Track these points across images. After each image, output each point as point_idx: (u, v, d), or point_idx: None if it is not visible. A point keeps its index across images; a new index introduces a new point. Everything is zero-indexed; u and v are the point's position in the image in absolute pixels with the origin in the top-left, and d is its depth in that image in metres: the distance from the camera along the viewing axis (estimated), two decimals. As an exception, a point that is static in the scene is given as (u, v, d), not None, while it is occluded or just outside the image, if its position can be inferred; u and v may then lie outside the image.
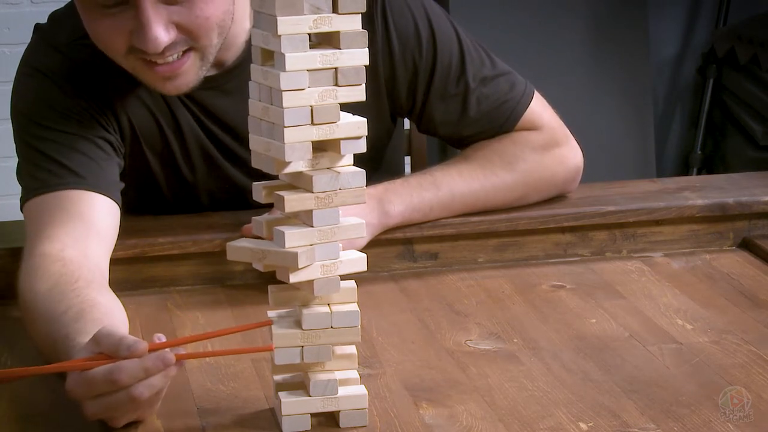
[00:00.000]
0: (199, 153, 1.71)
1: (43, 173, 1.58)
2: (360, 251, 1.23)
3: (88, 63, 1.63)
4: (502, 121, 1.73)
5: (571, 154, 1.77)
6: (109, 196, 1.58)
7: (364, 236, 1.43)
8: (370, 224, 1.60)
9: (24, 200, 1.60)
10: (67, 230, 1.51)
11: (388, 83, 1.71)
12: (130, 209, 1.69)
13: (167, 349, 1.19)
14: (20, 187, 1.62)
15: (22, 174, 1.63)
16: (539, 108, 1.76)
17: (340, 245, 1.22)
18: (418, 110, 1.74)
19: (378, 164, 1.81)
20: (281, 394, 1.25)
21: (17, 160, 1.65)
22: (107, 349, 1.19)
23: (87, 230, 1.52)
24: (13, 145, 1.66)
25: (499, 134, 1.74)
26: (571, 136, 1.78)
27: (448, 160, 1.73)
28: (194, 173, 1.73)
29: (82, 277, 1.42)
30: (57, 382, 1.36)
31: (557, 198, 1.76)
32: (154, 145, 1.70)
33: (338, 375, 1.24)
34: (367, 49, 1.17)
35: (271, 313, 1.25)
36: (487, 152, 1.72)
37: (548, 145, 1.75)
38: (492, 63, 1.75)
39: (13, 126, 1.67)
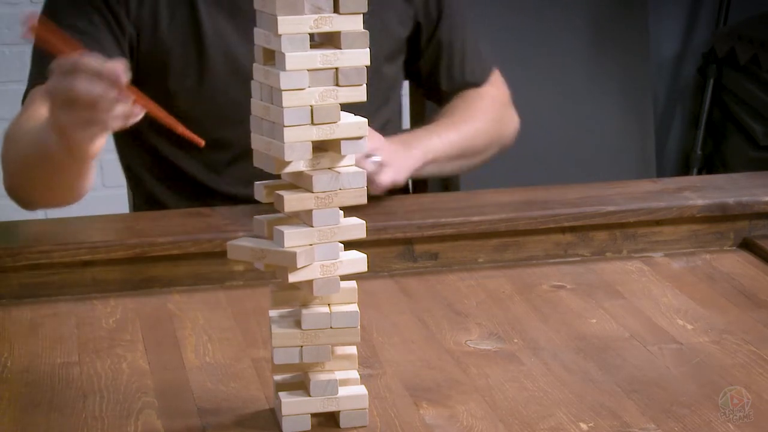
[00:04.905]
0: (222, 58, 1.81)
1: (42, 65, 1.67)
2: (360, 251, 1.23)
3: None
4: (478, 74, 2.01)
5: (515, 115, 2.06)
6: None
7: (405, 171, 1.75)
8: (413, 157, 1.79)
9: (27, 88, 1.75)
10: None
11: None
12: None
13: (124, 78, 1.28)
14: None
15: (31, 61, 1.78)
16: (497, 72, 2.07)
17: (341, 245, 1.22)
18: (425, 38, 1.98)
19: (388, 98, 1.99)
20: (281, 394, 1.25)
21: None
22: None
23: None
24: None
25: (469, 85, 2.01)
26: None
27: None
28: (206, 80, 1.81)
29: None
30: (56, 379, 1.37)
31: (557, 198, 1.76)
32: (167, 36, 1.79)
33: (338, 375, 1.24)
34: (368, 50, 1.17)
35: (272, 313, 1.25)
36: (463, 105, 1.96)
37: (505, 103, 2.04)
38: (473, 27, 2.04)
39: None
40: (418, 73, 2.02)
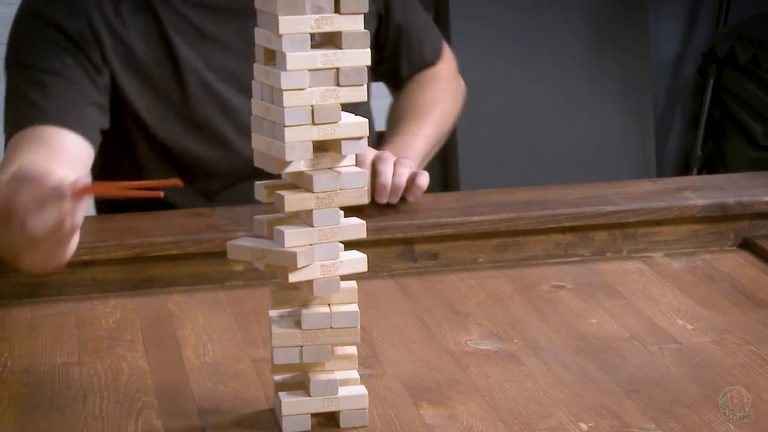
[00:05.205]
0: (194, 77, 1.79)
1: (20, 111, 1.67)
2: (360, 251, 1.23)
3: None
4: (434, 53, 2.02)
5: (463, 83, 2.09)
6: (78, 132, 1.66)
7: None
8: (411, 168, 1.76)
9: (6, 139, 1.69)
10: (35, 153, 1.60)
11: None
12: (116, 162, 1.80)
13: (65, 182, 1.16)
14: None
15: (5, 112, 1.73)
16: (445, 45, 2.10)
17: (341, 245, 1.22)
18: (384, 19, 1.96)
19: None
20: (281, 394, 1.25)
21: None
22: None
23: (54, 154, 1.61)
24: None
25: (427, 66, 2.02)
26: None
27: (396, 112, 1.98)
28: (186, 100, 1.79)
29: None
30: (56, 379, 1.37)
31: (557, 198, 1.76)
32: (146, 73, 1.77)
33: (338, 375, 1.24)
34: (369, 50, 1.17)
35: (272, 313, 1.25)
36: (424, 92, 1.98)
37: (456, 76, 2.07)
38: (418, 5, 2.04)
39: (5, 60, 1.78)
40: (379, 61, 2.01)
